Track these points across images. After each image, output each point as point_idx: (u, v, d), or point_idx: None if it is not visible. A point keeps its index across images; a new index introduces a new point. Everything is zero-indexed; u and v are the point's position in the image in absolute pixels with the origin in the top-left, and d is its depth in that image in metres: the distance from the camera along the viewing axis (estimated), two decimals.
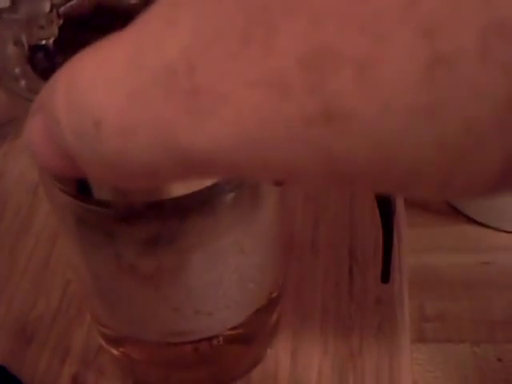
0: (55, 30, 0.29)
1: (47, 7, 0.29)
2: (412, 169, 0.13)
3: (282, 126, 0.13)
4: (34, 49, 0.28)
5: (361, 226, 0.43)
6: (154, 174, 0.15)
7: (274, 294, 0.36)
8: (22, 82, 0.26)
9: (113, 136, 0.15)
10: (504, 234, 0.46)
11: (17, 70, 0.27)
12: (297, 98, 0.13)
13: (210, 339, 0.34)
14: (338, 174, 0.13)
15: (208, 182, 0.27)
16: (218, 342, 0.34)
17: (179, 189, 0.27)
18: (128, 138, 0.15)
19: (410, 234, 0.43)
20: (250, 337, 0.36)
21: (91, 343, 0.39)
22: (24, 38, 0.28)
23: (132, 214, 0.29)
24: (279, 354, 0.38)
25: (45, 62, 0.28)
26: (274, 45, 0.13)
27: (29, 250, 0.44)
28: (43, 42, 0.28)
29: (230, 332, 0.34)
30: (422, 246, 0.44)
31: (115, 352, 0.37)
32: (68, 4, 0.30)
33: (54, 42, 0.29)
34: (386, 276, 0.36)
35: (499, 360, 0.40)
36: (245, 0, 0.13)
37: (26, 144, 0.17)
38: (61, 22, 0.29)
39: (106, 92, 0.15)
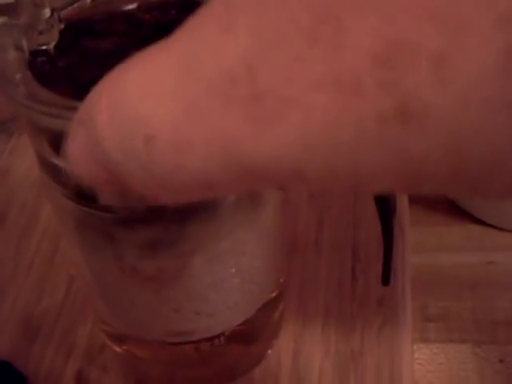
0: (56, 35, 0.29)
1: (47, 12, 0.29)
2: (489, 164, 0.12)
3: (354, 128, 0.12)
4: (35, 54, 0.28)
5: (364, 225, 0.43)
6: (209, 188, 0.15)
7: (276, 293, 0.36)
8: (22, 89, 0.27)
9: (167, 152, 0.14)
10: (508, 234, 0.46)
11: (17, 76, 0.27)
12: (370, 97, 0.12)
13: (211, 339, 0.34)
14: (410, 175, 0.13)
15: None
16: (220, 341, 0.34)
17: None
18: (183, 152, 0.14)
19: (414, 232, 0.43)
20: (252, 336, 0.36)
21: (95, 339, 0.39)
22: (24, 43, 0.28)
23: (133, 218, 0.29)
24: (281, 354, 0.38)
25: (46, 67, 0.28)
26: (343, 43, 0.12)
27: (34, 245, 0.44)
28: (44, 47, 0.28)
29: (231, 331, 0.34)
30: (426, 245, 0.44)
31: (118, 349, 0.37)
32: (69, 8, 0.30)
33: (55, 46, 0.29)
34: (386, 278, 0.36)
35: (501, 361, 0.39)
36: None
37: (67, 162, 0.16)
38: (61, 26, 0.29)
39: (157, 105, 0.14)
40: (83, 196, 0.28)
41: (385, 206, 0.33)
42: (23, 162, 0.48)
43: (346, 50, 0.12)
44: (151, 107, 0.14)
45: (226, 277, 0.32)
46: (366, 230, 0.43)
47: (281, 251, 0.35)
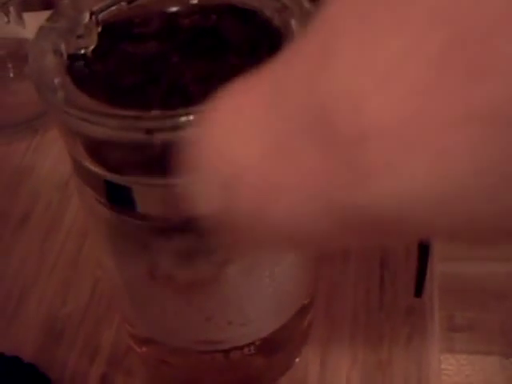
0: (94, 39, 0.28)
1: (86, 16, 0.28)
2: None
3: (504, 170, 0.10)
4: (73, 58, 0.28)
5: None
6: (298, 238, 0.13)
7: (306, 302, 0.35)
8: (60, 94, 0.26)
9: (251, 194, 0.13)
10: None
11: (55, 81, 0.27)
12: None
13: (241, 348, 0.34)
14: None
15: None
16: (250, 350, 0.34)
17: None
18: (270, 197, 0.13)
19: (440, 242, 0.43)
20: (281, 344, 0.36)
21: (120, 343, 0.39)
22: (63, 48, 0.28)
23: (170, 227, 0.29)
24: (308, 363, 0.37)
25: (84, 71, 0.28)
26: (487, 68, 0.10)
27: (58, 246, 0.44)
28: (82, 51, 0.28)
29: (261, 340, 0.34)
30: (452, 254, 0.43)
31: (143, 353, 0.37)
32: (106, 11, 0.30)
33: (93, 50, 0.28)
34: (419, 290, 0.36)
35: None
36: (445, 16, 0.10)
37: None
38: (99, 29, 0.29)
39: (243, 144, 0.13)
40: (118, 203, 0.28)
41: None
42: (47, 161, 0.48)
43: (491, 78, 0.10)
44: (236, 146, 0.13)
45: (260, 287, 0.31)
46: None
47: (312, 260, 0.35)
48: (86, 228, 0.44)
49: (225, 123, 0.14)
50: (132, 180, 0.26)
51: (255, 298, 0.31)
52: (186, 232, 0.28)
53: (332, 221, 0.12)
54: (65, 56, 0.28)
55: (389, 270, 0.41)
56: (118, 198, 0.28)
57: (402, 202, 0.11)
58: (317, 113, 0.12)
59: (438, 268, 0.41)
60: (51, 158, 0.48)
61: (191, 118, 0.22)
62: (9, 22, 0.48)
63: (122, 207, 0.28)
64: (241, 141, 0.13)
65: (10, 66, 0.49)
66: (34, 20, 0.28)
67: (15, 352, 0.38)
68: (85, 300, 0.41)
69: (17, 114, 0.49)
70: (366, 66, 0.11)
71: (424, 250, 0.34)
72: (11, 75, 0.49)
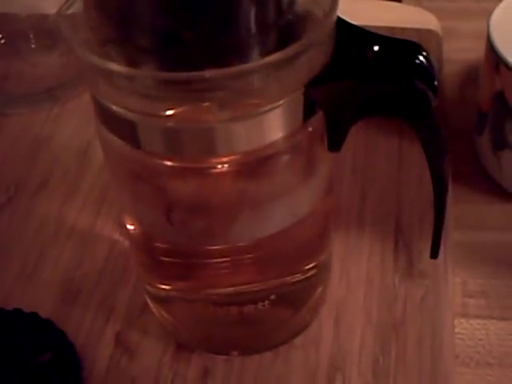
0: None
1: None
2: None
3: None
4: None
5: (407, 199, 0.43)
6: None
7: (322, 261, 0.36)
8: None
9: None
10: None
11: None
12: None
13: (255, 302, 0.34)
14: None
15: (266, 141, 0.28)
16: (264, 305, 0.34)
17: (241, 145, 0.27)
18: None
19: (455, 209, 0.43)
20: (296, 303, 0.36)
21: (135, 303, 0.39)
22: None
23: (187, 170, 0.29)
24: (322, 323, 0.38)
25: None
26: None
27: (76, 211, 0.44)
28: None
29: (276, 295, 0.34)
30: (466, 222, 0.43)
31: (160, 311, 0.37)
32: None
33: None
34: (435, 252, 0.36)
35: None
36: None
37: None
38: None
39: None
40: (136, 143, 0.28)
41: (441, 183, 0.33)
42: (66, 130, 0.49)
43: None
44: None
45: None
46: (409, 204, 0.43)
47: (329, 217, 0.35)
48: (104, 194, 0.45)
49: None
50: (160, 121, 0.27)
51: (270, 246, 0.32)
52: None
53: None
54: None
55: (403, 235, 0.41)
56: (147, 141, 0.28)
57: None
58: None
59: (452, 236, 0.42)
60: (70, 127, 0.49)
61: None
62: None
63: (150, 149, 0.28)
64: None
65: (32, 37, 0.50)
66: None
67: (33, 309, 0.39)
68: (101, 262, 0.41)
69: (37, 84, 0.50)
70: None
71: (440, 211, 0.34)
72: (33, 46, 0.50)
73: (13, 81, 0.51)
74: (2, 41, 0.52)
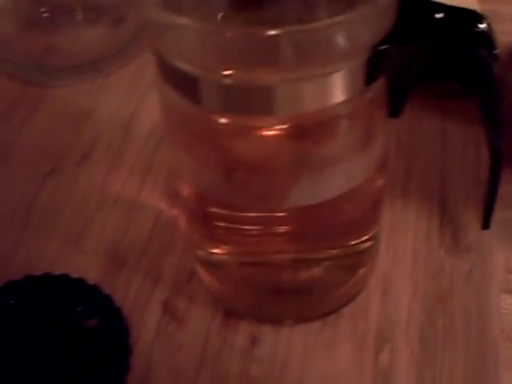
0: None
1: None
2: None
3: None
4: None
5: (452, 174, 0.43)
6: None
7: (374, 234, 0.36)
8: None
9: None
10: None
11: None
12: None
13: (308, 268, 0.34)
14: None
15: (328, 104, 0.28)
16: (316, 272, 0.35)
17: (302, 106, 0.27)
18: None
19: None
20: (347, 273, 0.37)
21: (182, 271, 0.39)
22: None
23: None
24: (370, 293, 0.38)
25: None
26: None
27: (121, 181, 0.44)
28: None
29: (328, 264, 0.35)
30: (509, 201, 0.44)
31: (209, 278, 0.37)
32: None
33: None
34: (487, 223, 0.36)
35: None
36: None
37: None
38: None
39: None
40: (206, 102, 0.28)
41: (497, 157, 0.33)
42: (109, 102, 0.49)
43: None
44: None
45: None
46: (454, 180, 0.43)
47: (381, 192, 0.35)
48: (148, 165, 0.45)
49: None
50: (222, 78, 0.27)
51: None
52: None
53: None
54: None
55: (448, 210, 0.41)
56: (208, 98, 0.28)
57: None
58: None
59: (496, 214, 0.42)
60: (113, 99, 0.49)
61: None
62: None
63: (210, 107, 0.28)
64: None
65: (78, 10, 0.51)
66: None
67: (79, 275, 0.39)
68: (146, 232, 0.42)
69: (81, 56, 0.50)
70: None
71: (494, 180, 0.34)
72: (79, 18, 0.51)
73: (56, 53, 0.51)
74: (46, 14, 0.52)
